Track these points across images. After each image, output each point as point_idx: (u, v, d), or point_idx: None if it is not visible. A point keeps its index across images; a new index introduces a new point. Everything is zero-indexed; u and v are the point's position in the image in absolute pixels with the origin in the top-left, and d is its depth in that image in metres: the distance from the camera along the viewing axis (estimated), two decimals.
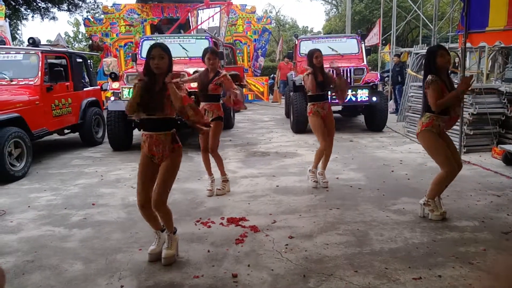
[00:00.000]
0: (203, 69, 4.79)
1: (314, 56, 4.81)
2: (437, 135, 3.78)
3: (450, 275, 2.85)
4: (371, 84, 8.48)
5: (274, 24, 32.30)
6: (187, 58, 7.94)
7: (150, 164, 3.05)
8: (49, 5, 19.58)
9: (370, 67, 10.50)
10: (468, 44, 5.84)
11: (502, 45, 6.12)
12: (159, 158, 3.03)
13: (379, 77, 9.16)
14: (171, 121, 3.03)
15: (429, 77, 3.67)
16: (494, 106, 6.59)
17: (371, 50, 12.52)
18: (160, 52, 2.91)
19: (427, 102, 3.74)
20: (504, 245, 3.32)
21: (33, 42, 7.05)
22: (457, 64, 11.94)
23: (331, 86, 4.97)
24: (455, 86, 3.86)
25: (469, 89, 3.89)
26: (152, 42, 8.24)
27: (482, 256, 3.12)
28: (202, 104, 4.59)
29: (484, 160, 6.10)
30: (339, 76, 4.94)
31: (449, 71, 3.83)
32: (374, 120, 8.95)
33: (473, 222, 3.79)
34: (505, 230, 3.60)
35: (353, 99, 8.41)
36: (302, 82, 5.19)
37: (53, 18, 20.74)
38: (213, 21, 12.97)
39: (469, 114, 6.49)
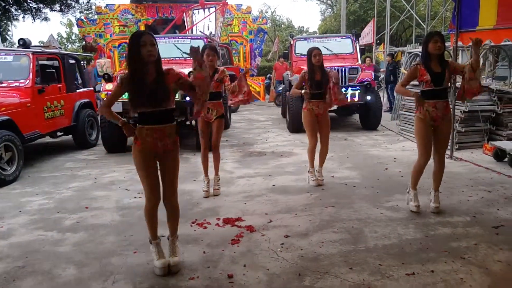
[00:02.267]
0: None
1: (313, 55, 4.79)
2: (425, 123, 3.84)
3: (442, 270, 2.90)
4: (366, 83, 8.53)
5: (270, 24, 32.33)
6: (182, 59, 7.95)
7: (153, 162, 2.93)
8: (41, 5, 19.32)
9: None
10: (460, 43, 5.91)
11: (492, 44, 6.17)
12: (161, 154, 2.91)
13: (374, 76, 9.23)
14: (173, 112, 2.94)
15: (413, 63, 3.78)
16: (485, 104, 6.68)
17: (366, 50, 12.61)
18: (151, 39, 2.74)
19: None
20: (494, 239, 3.38)
21: (24, 43, 6.95)
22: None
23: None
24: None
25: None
26: None
27: (473, 251, 3.17)
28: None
29: (475, 157, 6.18)
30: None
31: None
32: (369, 118, 9.01)
33: (465, 217, 3.85)
34: (496, 224, 3.66)
35: (348, 98, 8.46)
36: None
37: (45, 18, 20.50)
38: (209, 22, 12.97)
39: (460, 111, 6.56)
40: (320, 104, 4.91)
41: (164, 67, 2.94)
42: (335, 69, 8.39)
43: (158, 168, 3.01)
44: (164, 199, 3.05)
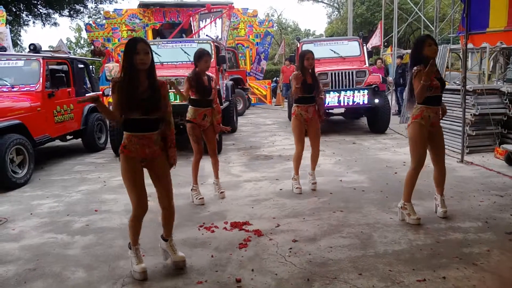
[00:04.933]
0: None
1: (306, 58, 4.70)
2: (425, 129, 3.77)
3: (454, 277, 2.84)
4: (373, 86, 8.48)
5: (276, 27, 32.36)
6: (189, 62, 7.96)
7: (141, 169, 2.96)
8: (50, 11, 19.62)
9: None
10: (470, 45, 5.84)
11: (504, 45, 6.10)
12: (149, 160, 2.95)
13: (382, 79, 9.18)
14: (159, 120, 2.97)
15: (415, 68, 3.71)
16: (496, 107, 6.58)
17: (373, 52, 12.53)
18: (145, 47, 2.79)
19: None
20: (508, 245, 3.31)
21: (34, 48, 7.06)
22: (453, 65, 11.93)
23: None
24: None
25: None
26: (155, 47, 8.31)
27: (486, 257, 3.11)
28: (201, 110, 4.58)
29: (486, 161, 6.10)
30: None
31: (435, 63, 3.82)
32: (377, 122, 8.96)
33: (476, 222, 3.79)
34: (509, 230, 3.59)
35: (355, 101, 8.42)
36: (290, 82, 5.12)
37: (55, 24, 20.81)
38: (215, 25, 13.03)
39: (471, 115, 6.48)
40: (309, 108, 4.81)
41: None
42: (342, 72, 8.44)
43: (149, 177, 3.04)
44: (161, 205, 3.08)
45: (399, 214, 3.96)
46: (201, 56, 4.53)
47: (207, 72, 4.64)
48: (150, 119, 2.88)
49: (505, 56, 12.11)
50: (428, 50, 3.67)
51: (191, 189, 4.78)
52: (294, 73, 4.83)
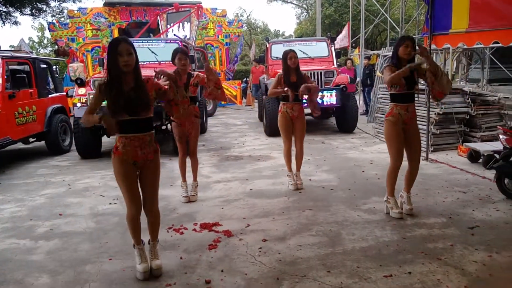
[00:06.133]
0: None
1: (288, 57, 4.74)
2: (397, 126, 3.85)
3: (419, 271, 2.91)
4: (341, 86, 8.60)
5: (246, 27, 32.38)
6: (157, 62, 7.84)
7: (134, 171, 2.90)
8: (11, 9, 18.73)
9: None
10: (434, 46, 6.02)
11: (465, 46, 6.33)
12: (142, 162, 2.88)
13: (350, 80, 9.32)
14: (151, 120, 2.93)
15: (384, 65, 3.80)
16: (459, 106, 6.82)
17: (341, 53, 12.73)
18: (128, 48, 2.72)
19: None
20: (470, 240, 3.43)
21: None
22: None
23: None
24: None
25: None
26: None
27: (449, 252, 3.21)
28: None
29: (450, 158, 6.30)
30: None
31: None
32: (345, 121, 9.09)
33: (440, 218, 3.90)
34: (471, 225, 3.72)
35: (324, 101, 8.51)
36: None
37: (15, 23, 19.87)
38: (183, 27, 12.88)
39: (435, 114, 6.68)
40: (295, 106, 4.86)
41: (143, 72, 2.96)
42: (311, 73, 8.52)
43: (138, 177, 2.98)
44: (144, 208, 3.02)
45: (385, 207, 4.07)
46: (173, 55, 4.49)
47: (190, 71, 4.58)
48: (140, 119, 2.82)
49: (468, 57, 12.57)
50: (402, 51, 3.75)
51: (181, 186, 4.84)
52: (278, 74, 4.87)
